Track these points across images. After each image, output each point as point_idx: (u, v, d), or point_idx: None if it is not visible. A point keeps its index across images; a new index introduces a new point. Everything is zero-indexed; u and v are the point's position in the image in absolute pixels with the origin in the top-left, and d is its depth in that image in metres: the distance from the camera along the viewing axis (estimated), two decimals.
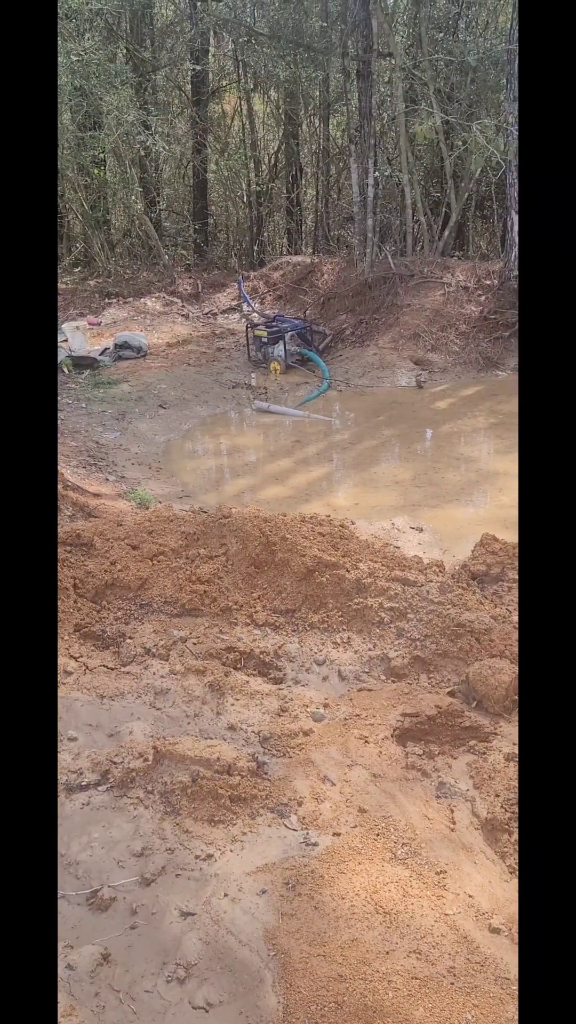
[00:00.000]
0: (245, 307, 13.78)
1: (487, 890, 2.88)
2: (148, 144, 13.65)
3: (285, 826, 3.14)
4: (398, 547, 5.79)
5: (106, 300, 13.98)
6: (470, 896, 2.84)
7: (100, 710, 3.87)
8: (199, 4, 15.22)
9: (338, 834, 3.08)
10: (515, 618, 4.59)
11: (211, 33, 16.09)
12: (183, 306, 13.97)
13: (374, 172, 12.79)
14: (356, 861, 2.95)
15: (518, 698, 3.44)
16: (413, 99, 13.59)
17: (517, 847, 3.02)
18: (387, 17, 13.47)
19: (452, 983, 2.49)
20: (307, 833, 3.10)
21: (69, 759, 3.47)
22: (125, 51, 15.39)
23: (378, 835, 3.07)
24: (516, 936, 2.68)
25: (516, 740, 3.59)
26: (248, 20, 14.64)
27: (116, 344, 11.52)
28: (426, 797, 3.31)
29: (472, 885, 2.89)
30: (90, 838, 3.10)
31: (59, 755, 3.50)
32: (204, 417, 9.58)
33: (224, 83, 17.58)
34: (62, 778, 3.36)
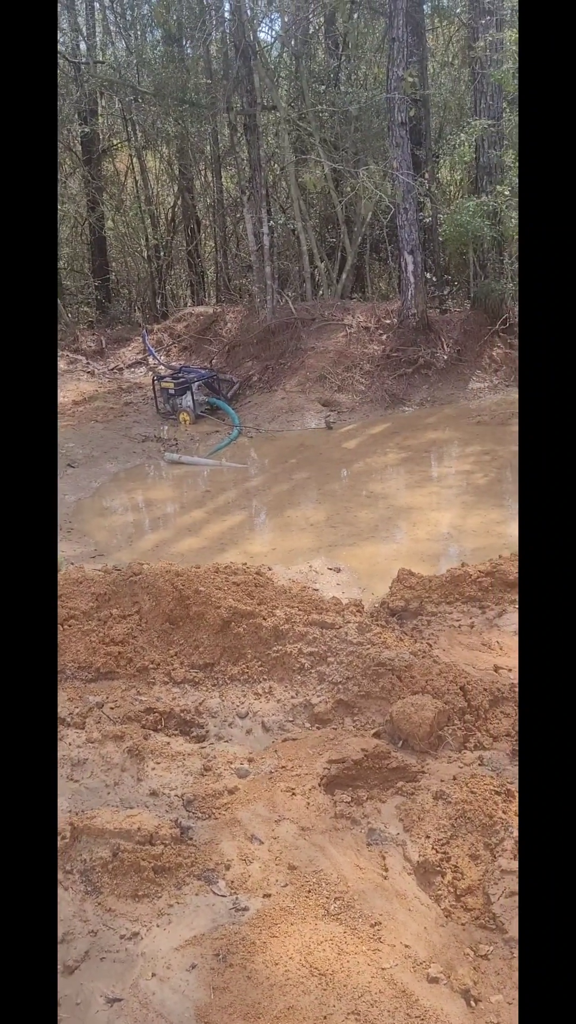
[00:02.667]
0: (151, 360, 13.76)
1: (423, 937, 2.81)
2: None
3: (213, 893, 3.01)
4: (316, 589, 5.77)
5: None
6: (406, 946, 2.76)
7: None
8: (83, 66, 15.37)
9: (268, 895, 2.96)
10: (435, 652, 4.59)
11: (98, 94, 16.24)
12: (88, 363, 13.86)
13: (268, 221, 13.04)
14: (288, 922, 2.84)
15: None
16: (301, 149, 13.96)
17: (457, 887, 2.97)
18: (269, 72, 13.86)
19: None
20: (236, 898, 2.98)
21: None
22: None
23: (309, 892, 2.97)
24: (453, 984, 2.61)
25: (443, 777, 3.55)
26: (133, 80, 14.83)
27: None
28: (357, 846, 3.23)
29: (408, 934, 2.82)
30: None
31: None
32: (115, 473, 9.45)
33: (115, 142, 17.73)
34: None
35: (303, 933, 2.79)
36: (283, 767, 3.73)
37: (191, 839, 3.26)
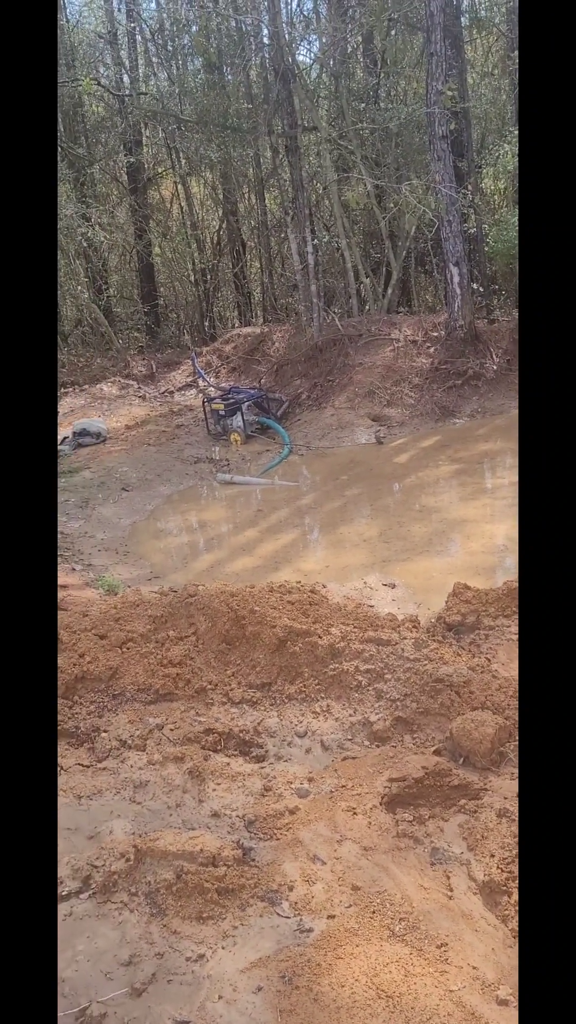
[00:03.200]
0: (200, 382, 13.92)
1: (491, 959, 2.76)
2: (89, 235, 13.93)
3: (277, 914, 3.01)
4: (372, 606, 5.75)
5: (62, 390, 14.07)
6: (474, 968, 2.71)
7: (78, 812, 3.73)
8: (127, 99, 15.73)
9: (332, 916, 2.95)
10: (494, 667, 4.53)
11: (142, 124, 16.61)
12: (139, 388, 14.09)
13: (313, 240, 13.12)
14: (353, 944, 2.82)
15: (518, 757, 3.38)
16: (343, 168, 14.05)
17: (518, 909, 2.91)
18: (308, 94, 14.01)
19: None
20: (300, 919, 2.97)
21: None
22: (60, 149, 15.82)
23: (374, 913, 2.95)
24: None
25: (507, 795, 3.50)
26: (176, 109, 15.12)
27: (74, 432, 11.55)
28: (420, 866, 3.20)
29: (475, 955, 2.77)
30: (75, 951, 2.95)
31: None
32: (168, 495, 9.57)
33: (160, 170, 18.08)
34: None
35: (369, 955, 2.77)
36: (343, 786, 3.72)
37: (254, 860, 3.26)
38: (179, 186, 17.67)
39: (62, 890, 3.20)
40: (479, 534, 7.29)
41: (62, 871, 3.28)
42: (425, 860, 3.23)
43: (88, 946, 2.96)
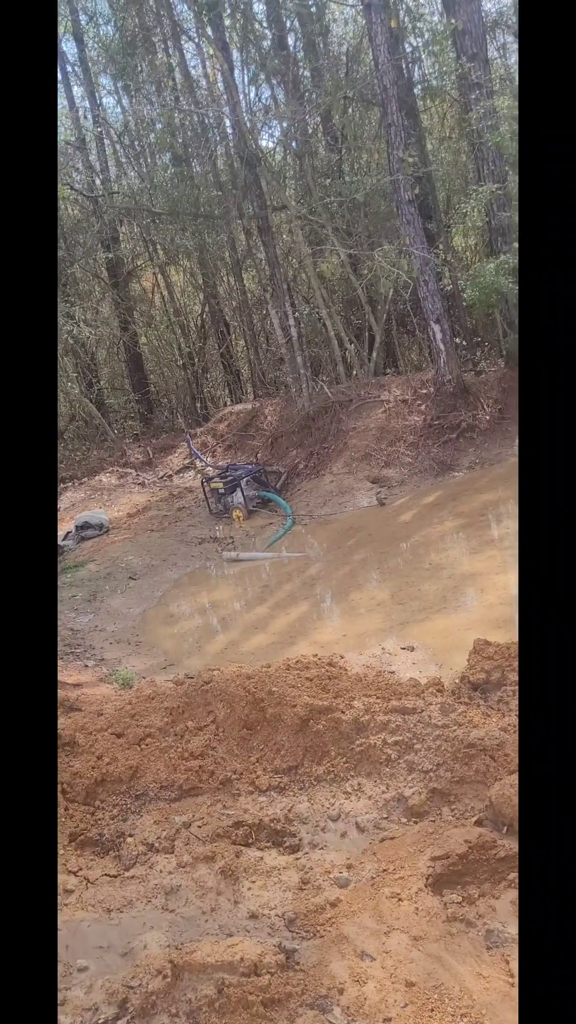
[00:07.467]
0: (198, 463, 13.96)
1: None
2: (75, 333, 14.17)
3: (329, 1023, 2.80)
4: (393, 672, 5.58)
5: (61, 485, 14.12)
6: None
7: (109, 927, 3.53)
8: (100, 199, 16.21)
9: (388, 1020, 2.74)
10: None
11: (117, 222, 17.07)
12: (137, 475, 14.13)
13: (294, 313, 13.32)
14: None
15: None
16: (316, 241, 14.35)
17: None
18: (275, 175, 14.41)
19: None
20: None
21: (82, 994, 3.12)
22: None
23: (432, 1010, 2.75)
24: None
25: None
26: (148, 203, 15.55)
27: (77, 526, 11.52)
28: (476, 951, 2.99)
29: None
30: None
31: (71, 991, 3.16)
32: (176, 579, 9.47)
33: (138, 263, 18.51)
34: (77, 1019, 3.01)
35: None
36: (384, 870, 3.53)
37: (298, 963, 3.06)
38: (158, 276, 18.06)
39: (98, 1018, 2.99)
40: (492, 586, 7.15)
41: (96, 996, 3.08)
42: (480, 944, 3.03)
43: None
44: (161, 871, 3.78)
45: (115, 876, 3.84)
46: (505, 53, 15.76)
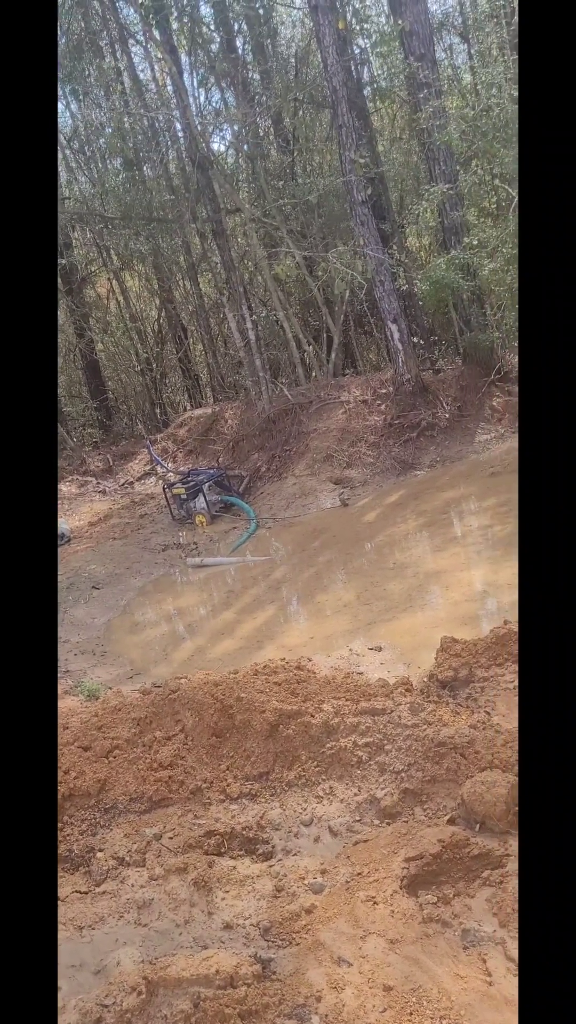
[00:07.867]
0: (159, 469, 13.86)
1: None
2: None
3: None
4: (361, 673, 5.57)
5: None
6: None
7: (81, 944, 3.46)
8: None
9: None
10: (495, 721, 4.37)
11: (69, 227, 16.89)
12: (98, 483, 13.98)
13: (251, 316, 13.29)
14: None
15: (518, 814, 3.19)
16: (271, 243, 14.33)
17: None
18: (227, 178, 14.36)
19: None
20: None
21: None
22: None
23: (411, 1014, 2.73)
24: None
25: None
26: (100, 208, 15.41)
27: None
28: (453, 952, 2.98)
29: None
30: None
31: None
32: (140, 587, 9.37)
33: (92, 268, 18.34)
34: None
35: None
36: (359, 874, 3.50)
37: (274, 973, 3.02)
38: (113, 282, 17.91)
39: None
40: (457, 583, 7.18)
41: (69, 1018, 3.01)
42: (457, 945, 3.02)
43: None
44: (133, 885, 3.72)
45: (86, 892, 3.77)
46: (452, 54, 15.92)
